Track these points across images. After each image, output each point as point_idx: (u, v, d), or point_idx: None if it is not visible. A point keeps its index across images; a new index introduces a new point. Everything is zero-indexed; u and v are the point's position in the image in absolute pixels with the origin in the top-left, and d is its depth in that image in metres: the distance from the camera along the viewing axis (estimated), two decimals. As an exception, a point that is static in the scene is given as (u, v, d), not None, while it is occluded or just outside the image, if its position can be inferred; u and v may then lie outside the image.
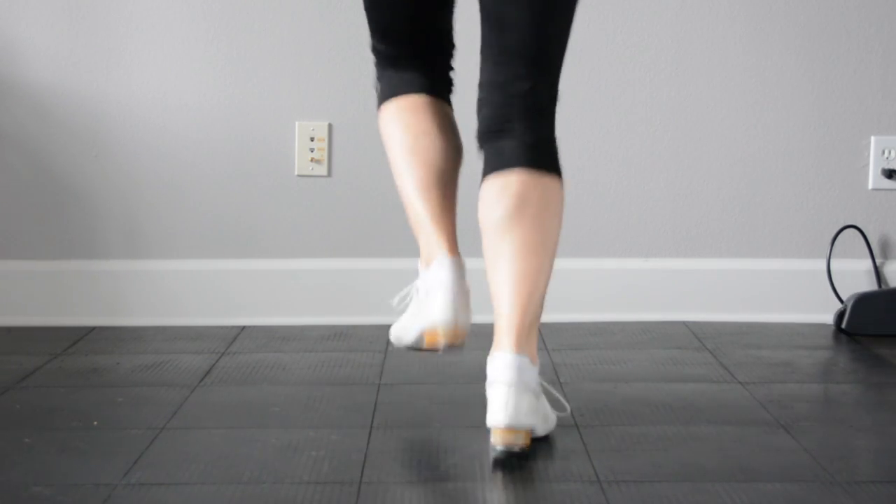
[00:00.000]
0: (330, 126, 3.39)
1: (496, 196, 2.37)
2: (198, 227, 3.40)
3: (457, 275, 2.39)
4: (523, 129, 2.42)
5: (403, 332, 2.56)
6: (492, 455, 2.31)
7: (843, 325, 3.29)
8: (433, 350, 2.40)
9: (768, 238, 3.46)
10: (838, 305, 3.37)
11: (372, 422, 2.53)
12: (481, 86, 2.47)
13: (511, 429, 2.27)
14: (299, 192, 3.41)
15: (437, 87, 2.57)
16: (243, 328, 3.35)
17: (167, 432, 2.47)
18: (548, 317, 3.36)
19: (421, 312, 2.44)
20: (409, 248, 3.16)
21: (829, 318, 3.39)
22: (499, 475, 2.24)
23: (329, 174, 3.41)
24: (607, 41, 3.40)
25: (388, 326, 3.11)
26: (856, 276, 3.43)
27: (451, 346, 2.37)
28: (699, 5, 3.40)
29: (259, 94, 3.39)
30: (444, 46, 2.59)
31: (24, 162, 3.39)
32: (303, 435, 2.44)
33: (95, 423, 2.53)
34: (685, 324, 3.39)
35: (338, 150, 3.39)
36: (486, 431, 2.44)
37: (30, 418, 2.57)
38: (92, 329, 3.34)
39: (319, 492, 2.14)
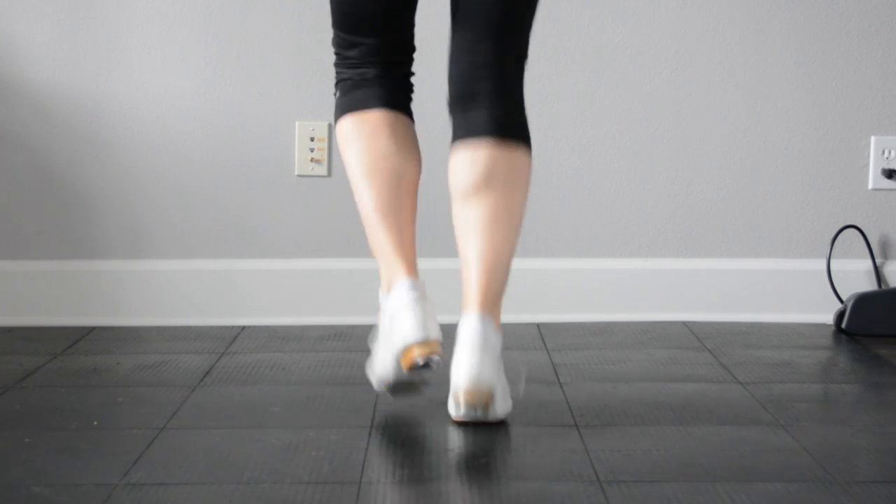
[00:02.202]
0: (330, 126, 3.39)
1: (464, 166, 2.46)
2: (198, 227, 3.40)
3: (419, 294, 2.38)
4: (491, 97, 2.49)
5: (380, 368, 2.52)
6: (456, 419, 2.44)
7: (843, 325, 3.29)
8: (413, 369, 2.36)
9: (768, 238, 3.45)
10: (838, 305, 3.37)
11: (372, 422, 2.53)
12: (451, 53, 2.54)
13: (475, 388, 2.36)
14: (299, 191, 3.41)
15: (398, 96, 2.57)
16: (243, 328, 3.35)
17: (167, 432, 2.47)
18: (547, 317, 3.38)
19: (390, 340, 2.41)
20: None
21: (829, 318, 3.39)
22: (498, 475, 2.24)
23: (329, 174, 3.41)
24: (607, 41, 3.40)
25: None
26: (856, 276, 3.43)
27: (429, 359, 2.34)
28: (699, 5, 3.40)
29: (259, 94, 3.39)
30: (408, 43, 2.60)
31: (24, 161, 3.38)
32: (303, 435, 2.44)
33: (95, 422, 2.53)
34: (685, 324, 3.39)
35: (338, 150, 3.38)
36: (487, 431, 2.45)
37: (30, 418, 2.57)
38: (92, 329, 3.33)
39: (319, 492, 2.14)
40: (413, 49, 2.62)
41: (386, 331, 2.47)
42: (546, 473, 2.23)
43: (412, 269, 2.44)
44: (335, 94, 2.63)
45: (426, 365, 2.35)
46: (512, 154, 2.48)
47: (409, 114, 2.59)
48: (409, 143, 2.54)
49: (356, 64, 2.58)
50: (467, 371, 2.38)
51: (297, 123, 3.39)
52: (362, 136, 2.51)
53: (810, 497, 2.12)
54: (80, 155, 3.38)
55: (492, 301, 2.42)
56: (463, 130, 2.50)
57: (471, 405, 2.40)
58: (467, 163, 2.46)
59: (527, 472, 2.25)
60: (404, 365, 2.37)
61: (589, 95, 3.41)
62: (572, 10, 3.38)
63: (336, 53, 2.63)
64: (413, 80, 2.63)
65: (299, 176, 3.41)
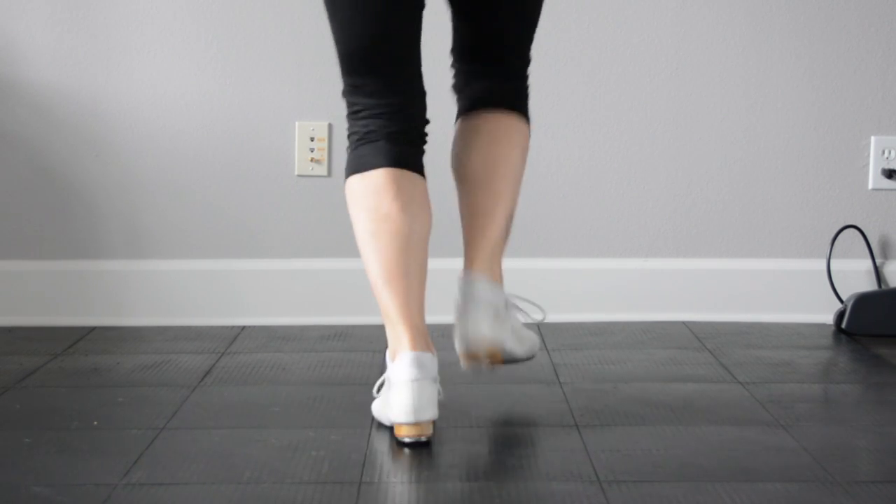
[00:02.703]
0: (330, 126, 3.39)
1: (466, 134, 2.54)
2: (198, 227, 3.40)
3: (419, 372, 2.35)
4: (496, 81, 2.57)
5: (381, 415, 2.49)
6: (463, 369, 2.51)
7: (843, 325, 3.29)
8: (414, 440, 2.37)
9: (768, 238, 3.45)
10: (838, 305, 3.37)
11: (372, 422, 2.53)
12: (454, 49, 2.59)
13: (471, 348, 2.43)
14: (299, 191, 3.41)
15: (405, 151, 2.46)
16: (243, 328, 3.35)
17: (167, 432, 2.47)
18: (548, 316, 3.38)
19: (387, 405, 2.42)
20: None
21: (829, 319, 3.39)
22: (498, 474, 2.24)
23: (329, 174, 3.40)
24: (607, 41, 3.40)
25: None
26: (856, 276, 3.43)
27: (417, 441, 2.36)
28: (699, 5, 3.40)
29: (259, 94, 3.39)
30: (416, 86, 2.50)
31: (25, 161, 3.38)
32: (303, 435, 2.44)
33: (95, 422, 2.53)
34: (685, 324, 3.39)
35: (338, 150, 3.39)
36: (488, 431, 2.45)
37: (30, 418, 2.57)
38: (92, 329, 3.33)
39: (319, 492, 2.14)
40: (423, 95, 2.51)
41: (385, 390, 2.46)
42: (546, 473, 2.23)
43: (418, 340, 2.39)
44: (347, 149, 2.53)
45: (414, 444, 2.37)
46: (511, 120, 2.54)
47: (417, 169, 2.47)
48: (416, 201, 2.44)
49: (364, 115, 2.48)
50: (462, 334, 2.44)
51: (297, 123, 3.39)
52: (367, 196, 2.43)
53: (810, 497, 2.11)
54: (81, 155, 3.38)
55: (488, 256, 2.48)
56: (466, 104, 2.57)
57: (473, 364, 2.46)
58: (467, 131, 2.54)
59: (527, 472, 2.25)
60: (396, 434, 2.39)
61: (589, 95, 3.41)
62: (572, 10, 3.37)
63: (346, 104, 2.53)
64: (427, 129, 2.53)
65: (299, 176, 3.41)
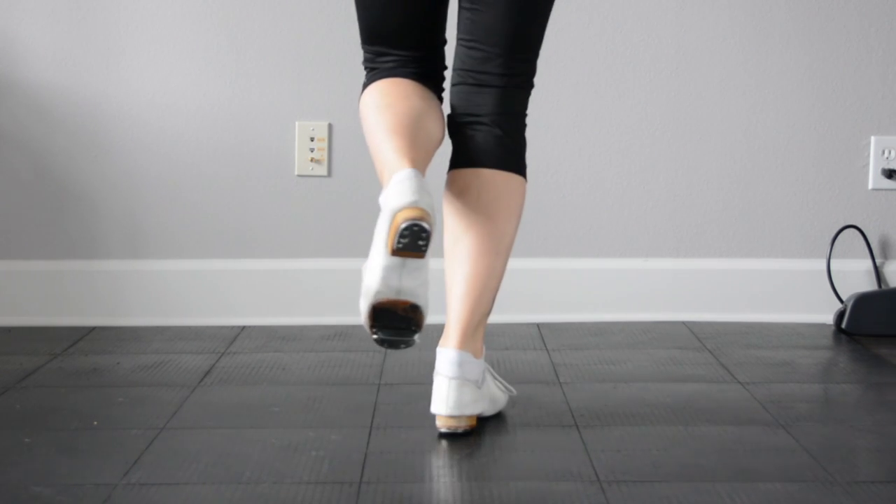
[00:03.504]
0: (330, 126, 3.39)
1: (457, 190, 2.47)
2: (198, 227, 3.40)
3: (414, 174, 2.22)
4: (492, 121, 2.49)
5: (365, 273, 2.25)
6: (438, 435, 2.45)
7: (843, 325, 3.29)
8: (403, 231, 2.15)
9: (768, 238, 3.45)
10: (838, 305, 3.37)
11: (372, 422, 2.53)
12: (454, 70, 2.53)
13: (452, 417, 2.43)
14: (299, 192, 3.41)
15: (428, 82, 2.54)
16: (243, 328, 3.35)
17: (167, 432, 2.47)
18: (548, 316, 3.38)
19: (378, 230, 2.23)
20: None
21: (829, 319, 3.39)
22: (499, 474, 2.24)
23: (329, 174, 3.40)
24: (607, 41, 3.40)
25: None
26: (856, 276, 3.43)
27: (417, 223, 2.15)
28: (699, 5, 3.40)
29: (259, 94, 3.39)
30: (438, 54, 2.56)
31: (24, 162, 3.38)
32: (303, 435, 2.44)
33: (95, 423, 2.53)
34: (685, 324, 3.39)
35: (338, 150, 3.39)
36: (487, 431, 2.45)
37: (30, 418, 2.57)
38: (92, 329, 3.33)
39: (319, 492, 2.14)
40: (443, 60, 2.57)
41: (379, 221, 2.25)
42: (546, 474, 2.23)
43: (415, 163, 2.28)
44: (363, 84, 2.56)
45: (413, 230, 2.17)
46: (507, 184, 2.48)
47: (438, 95, 2.55)
48: (431, 103, 2.47)
49: (383, 59, 2.52)
50: (444, 405, 2.43)
51: (297, 123, 3.39)
52: (384, 85, 2.46)
53: (810, 497, 2.12)
54: (80, 155, 3.38)
55: (471, 332, 2.45)
56: (461, 154, 2.50)
57: (451, 429, 2.45)
58: (462, 189, 2.47)
59: (527, 473, 2.25)
60: (390, 236, 2.18)
61: (588, 95, 3.41)
62: (571, 10, 3.37)
63: (365, 60, 2.56)
64: (446, 74, 2.58)
65: (299, 176, 3.41)
